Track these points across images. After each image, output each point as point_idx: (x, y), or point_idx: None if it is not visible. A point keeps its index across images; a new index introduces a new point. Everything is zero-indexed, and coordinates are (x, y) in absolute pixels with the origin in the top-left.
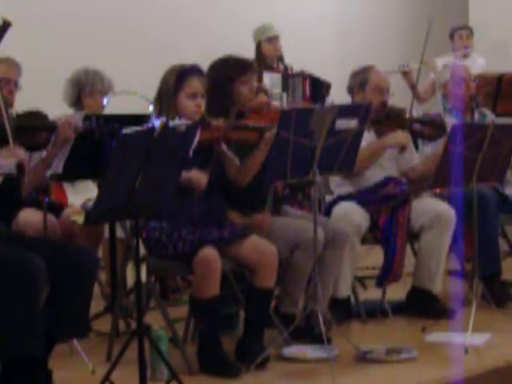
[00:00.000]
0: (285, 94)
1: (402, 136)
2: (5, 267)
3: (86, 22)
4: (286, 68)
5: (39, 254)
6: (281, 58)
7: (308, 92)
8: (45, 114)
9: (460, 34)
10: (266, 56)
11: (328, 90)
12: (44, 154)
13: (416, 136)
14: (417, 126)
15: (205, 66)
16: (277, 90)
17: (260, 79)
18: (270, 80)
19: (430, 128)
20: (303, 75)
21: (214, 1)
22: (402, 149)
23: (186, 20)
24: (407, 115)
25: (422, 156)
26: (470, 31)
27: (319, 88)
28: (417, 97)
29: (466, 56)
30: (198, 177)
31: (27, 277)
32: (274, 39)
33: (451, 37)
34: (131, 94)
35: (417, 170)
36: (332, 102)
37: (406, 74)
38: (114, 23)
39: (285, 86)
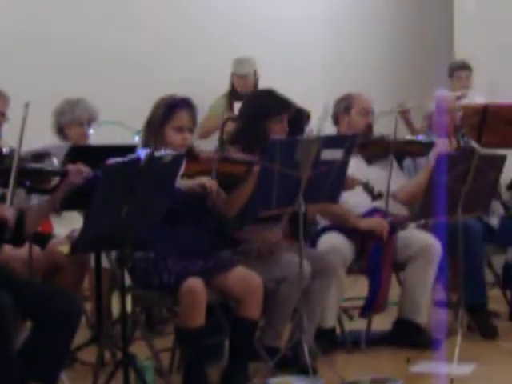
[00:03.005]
0: None
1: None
2: None
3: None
4: None
5: (22, 294)
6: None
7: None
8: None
9: (459, 76)
10: (236, 89)
11: (308, 119)
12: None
13: (404, 155)
14: (403, 146)
15: (182, 88)
16: None
17: (231, 109)
18: None
19: (417, 145)
20: None
21: (196, 24)
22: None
23: (167, 44)
24: (390, 138)
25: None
26: (470, 71)
27: (298, 118)
28: (413, 131)
29: (463, 97)
30: (209, 182)
31: None
32: (241, 77)
33: (450, 75)
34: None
35: (404, 190)
36: (311, 131)
37: (402, 113)
38: (99, 49)
39: None
